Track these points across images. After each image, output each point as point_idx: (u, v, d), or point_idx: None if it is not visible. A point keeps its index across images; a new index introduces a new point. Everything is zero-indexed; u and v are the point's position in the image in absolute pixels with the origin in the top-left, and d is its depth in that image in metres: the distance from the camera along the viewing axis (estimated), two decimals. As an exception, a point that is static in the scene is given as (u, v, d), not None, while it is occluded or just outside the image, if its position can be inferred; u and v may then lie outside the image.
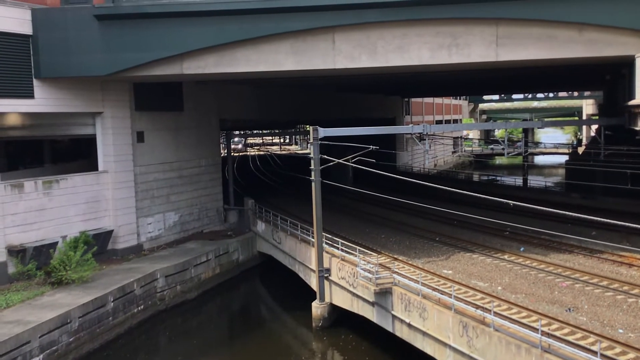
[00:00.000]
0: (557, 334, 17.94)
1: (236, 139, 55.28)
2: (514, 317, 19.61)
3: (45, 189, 31.03)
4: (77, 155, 39.20)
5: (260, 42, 28.64)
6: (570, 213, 21.89)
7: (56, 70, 30.22)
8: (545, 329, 17.99)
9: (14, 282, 28.65)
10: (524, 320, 19.20)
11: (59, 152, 39.86)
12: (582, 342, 17.24)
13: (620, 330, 18.63)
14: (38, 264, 29.19)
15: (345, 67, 28.67)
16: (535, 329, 17.61)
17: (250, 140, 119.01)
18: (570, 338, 17.54)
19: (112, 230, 34.03)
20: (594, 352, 15.75)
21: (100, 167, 34.48)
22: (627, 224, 18.78)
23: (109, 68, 29.68)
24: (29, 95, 30.08)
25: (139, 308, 29.96)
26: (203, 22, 28.52)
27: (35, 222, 30.38)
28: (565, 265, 26.47)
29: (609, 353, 16.41)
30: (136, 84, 35.53)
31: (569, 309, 20.76)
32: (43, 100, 30.63)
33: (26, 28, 29.55)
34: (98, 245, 32.08)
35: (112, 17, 29.12)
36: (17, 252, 29.02)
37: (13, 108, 29.87)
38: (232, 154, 52.23)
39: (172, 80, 36.24)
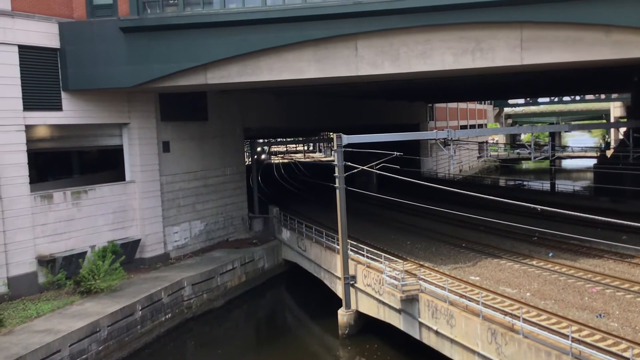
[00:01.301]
0: (588, 340, 17.62)
1: (258, 149, 55.60)
2: (543, 323, 19.32)
3: (74, 199, 31.52)
4: (105, 165, 39.74)
5: (283, 51, 28.80)
6: (600, 217, 21.50)
7: (83, 82, 30.76)
8: (575, 335, 17.70)
9: (44, 291, 29.10)
10: (553, 327, 18.91)
11: (86, 162, 40.44)
12: (613, 349, 16.91)
13: (654, 337, 18.24)
14: (67, 273, 29.61)
15: (368, 73, 28.63)
16: (565, 336, 17.34)
17: (274, 149, 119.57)
18: (601, 344, 17.23)
19: (139, 240, 34.41)
20: (627, 359, 15.42)
21: (127, 177, 34.93)
22: (658, 227, 18.41)
23: (135, 80, 30.11)
24: (58, 107, 30.66)
25: (167, 316, 30.19)
26: (226, 33, 28.79)
27: (64, 232, 30.85)
28: (595, 270, 26.03)
29: (642, 360, 16.08)
30: (161, 95, 35.98)
31: (600, 315, 20.39)
32: (71, 112, 31.19)
33: (54, 42, 30.15)
34: (126, 255, 32.46)
35: (137, 30, 29.57)
36: (47, 262, 29.50)
37: (42, 120, 30.44)
38: (256, 162, 52.49)
39: (197, 90, 36.60)
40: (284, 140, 75.55)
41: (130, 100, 34.19)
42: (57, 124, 31.37)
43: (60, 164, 38.68)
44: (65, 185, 32.79)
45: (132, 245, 33.81)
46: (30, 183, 29.60)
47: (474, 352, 20.75)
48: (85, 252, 30.92)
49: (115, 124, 34.20)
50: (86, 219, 31.93)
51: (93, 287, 28.76)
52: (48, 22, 29.94)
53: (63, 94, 30.80)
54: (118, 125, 34.54)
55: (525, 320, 19.04)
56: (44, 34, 29.76)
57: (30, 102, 29.37)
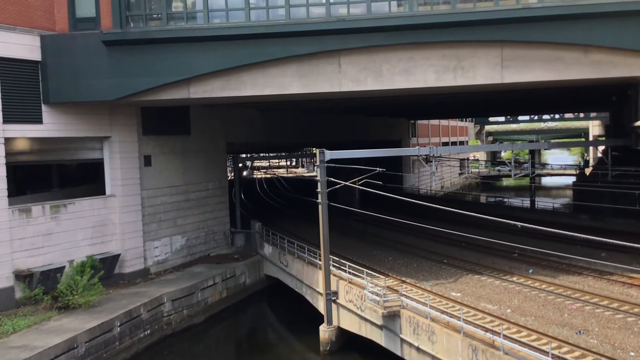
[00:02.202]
0: (568, 357, 17.72)
1: (241, 164, 55.60)
2: (523, 340, 19.35)
3: (53, 213, 31.13)
4: (85, 179, 39.34)
5: (267, 66, 28.86)
6: (579, 234, 21.72)
7: (65, 95, 30.50)
8: (555, 352, 17.78)
9: (21, 307, 28.59)
10: (534, 343, 18.97)
11: (66, 176, 40.01)
12: (593, 366, 17.01)
13: (632, 354, 18.38)
14: (45, 288, 29.13)
15: (351, 90, 28.79)
16: (545, 352, 17.41)
17: (257, 163, 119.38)
18: (581, 361, 17.32)
19: (119, 255, 34.02)
20: (606, 376, 15.54)
21: (108, 191, 34.60)
22: (636, 245, 18.62)
23: (117, 93, 29.93)
24: (38, 120, 30.34)
25: (146, 332, 29.79)
26: (210, 47, 28.79)
27: (42, 247, 30.41)
28: (575, 287, 26.24)
29: (621, 377, 16.18)
30: (143, 109, 35.81)
31: (580, 332, 20.53)
32: (51, 125, 30.89)
33: (35, 54, 29.91)
34: (105, 270, 32.03)
35: (120, 43, 29.44)
36: (24, 277, 29.00)
37: (22, 133, 30.09)
38: (238, 177, 52.33)
39: (180, 105, 36.51)
40: (267, 155, 75.50)
41: (112, 113, 33.98)
42: (37, 136, 31.04)
43: (39, 177, 38.23)
44: (45, 199, 32.36)
45: (111, 260, 33.41)
46: (8, 196, 29.18)
47: (455, 368, 20.74)
48: (63, 267, 30.47)
49: (96, 137, 33.93)
50: (65, 234, 31.52)
51: (71, 303, 28.32)
52: (29, 34, 29.71)
53: (44, 107, 30.51)
54: (99, 139, 34.26)
55: (505, 337, 19.09)
56: (25, 46, 29.51)
57: (10, 115, 29.02)
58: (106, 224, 33.81)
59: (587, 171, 63.99)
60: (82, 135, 32.90)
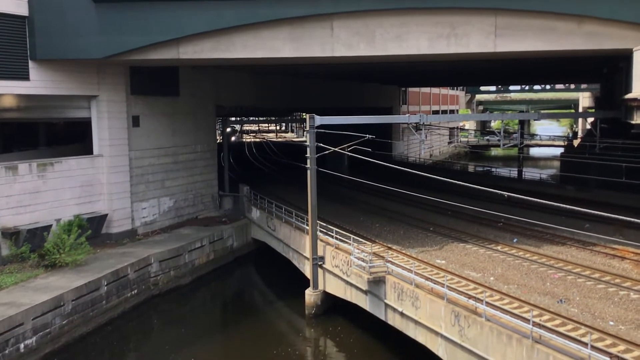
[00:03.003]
0: (548, 325, 18.03)
1: (230, 127, 55.31)
2: (506, 307, 19.68)
3: (40, 171, 30.92)
4: (72, 138, 39.02)
5: (258, 28, 28.47)
6: (564, 205, 21.94)
7: (52, 52, 30.02)
8: (536, 319, 18.10)
9: (7, 264, 28.61)
10: (515, 311, 19.28)
11: (54, 135, 39.68)
12: (573, 334, 17.34)
13: (611, 323, 18.76)
14: (32, 246, 29.14)
15: (343, 55, 28.54)
16: (526, 320, 17.71)
17: (247, 127, 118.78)
18: (561, 329, 17.64)
19: (106, 215, 33.98)
20: (585, 344, 15.86)
21: (95, 150, 34.35)
22: (620, 217, 18.85)
23: (105, 51, 29.48)
24: (24, 77, 29.89)
25: (133, 292, 30.00)
26: (200, 7, 28.33)
27: (29, 205, 30.29)
28: (558, 257, 26.60)
29: (599, 345, 16.52)
30: (132, 68, 35.33)
31: (561, 301, 20.88)
32: (38, 82, 30.44)
33: (22, 9, 29.29)
34: (92, 229, 32.04)
35: (109, 0, 28.86)
36: (10, 235, 28.96)
37: (8, 90, 29.66)
38: (227, 140, 52.09)
39: (169, 65, 36.04)
40: (257, 119, 75.04)
41: (100, 72, 33.51)
42: (24, 93, 30.63)
43: (26, 135, 37.89)
44: (31, 157, 32.12)
45: (98, 220, 33.39)
46: (-6, 154, 28.94)
47: (437, 333, 21.10)
48: (50, 226, 30.42)
49: (83, 96, 33.52)
50: (52, 192, 31.38)
51: (58, 261, 28.39)
52: (16, -12, 29.08)
53: (30, 63, 30.03)
54: (87, 98, 33.85)
55: (488, 304, 19.38)
56: (12, 0, 28.86)
57: (-4, 71, 28.59)
58: (93, 184, 33.66)
59: (576, 143, 64.30)
60: (69, 94, 32.49)
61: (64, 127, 40.91)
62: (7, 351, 22.08)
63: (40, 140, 38.53)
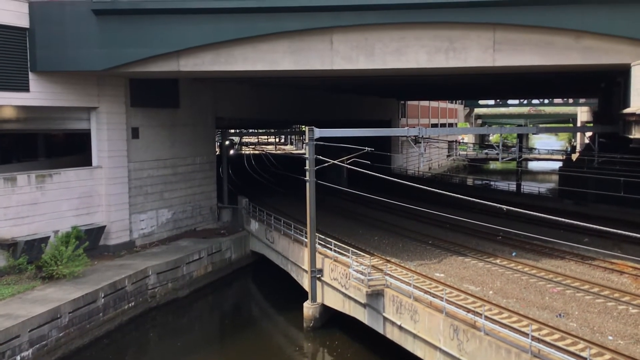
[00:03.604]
0: (547, 339, 17.98)
1: (228, 140, 55.47)
2: (504, 321, 19.66)
3: (39, 183, 30.90)
4: (72, 149, 39.08)
5: (258, 41, 28.62)
6: (563, 219, 21.94)
7: (52, 64, 30.10)
8: (535, 334, 18.05)
9: (4, 275, 28.48)
10: (514, 325, 19.26)
11: (53, 146, 39.74)
12: (571, 348, 17.31)
13: (610, 337, 18.71)
14: (29, 258, 29.05)
15: (343, 68, 28.67)
16: (525, 334, 17.67)
17: (246, 139, 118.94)
18: (560, 344, 17.61)
19: (104, 226, 33.92)
20: (584, 358, 15.81)
21: (94, 162, 34.36)
22: (619, 231, 18.84)
23: (105, 63, 29.59)
24: (24, 88, 29.96)
25: (130, 305, 29.87)
26: (200, 20, 28.48)
27: (27, 216, 30.23)
28: (557, 271, 26.56)
29: (598, 359, 16.46)
30: (132, 80, 35.45)
31: (560, 315, 20.83)
32: (38, 94, 30.51)
33: (23, 21, 29.41)
34: (90, 241, 31.99)
35: (110, 12, 29.01)
36: (8, 246, 28.88)
37: (8, 101, 29.72)
38: (226, 152, 52.12)
39: (169, 77, 36.19)
40: (256, 131, 75.12)
41: (100, 84, 33.61)
42: (24, 105, 30.68)
43: (25, 147, 37.96)
44: (30, 168, 32.13)
45: (96, 232, 33.33)
46: (-7, 165, 28.94)
47: (436, 347, 21.02)
48: (48, 237, 30.35)
49: (83, 107, 33.59)
50: (50, 204, 31.35)
51: (55, 273, 28.30)
52: (18, 0, 29.17)
53: (31, 75, 30.11)
54: (86, 109, 33.93)
55: (487, 318, 19.34)
56: (13, 12, 29.00)
57: (-4, 82, 28.67)
58: (92, 195, 33.64)
59: (574, 157, 64.41)
60: (69, 105, 32.55)
61: (64, 139, 40.97)
62: (3, 363, 21.98)
63: (40, 151, 38.57)
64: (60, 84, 31.42)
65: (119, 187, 34.99)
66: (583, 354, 16.19)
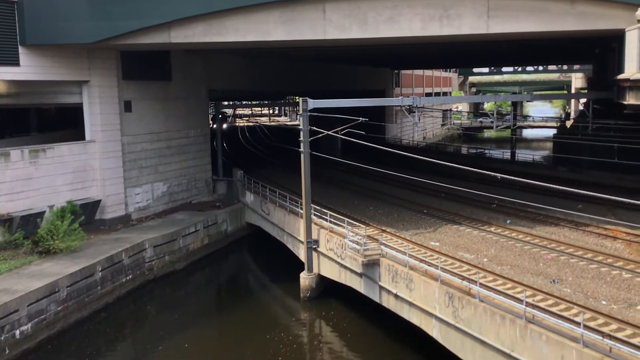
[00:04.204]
0: (541, 305, 18.21)
1: (222, 113, 55.04)
2: (499, 288, 19.86)
3: (32, 158, 30.75)
4: (64, 124, 38.79)
5: (249, 11, 28.25)
6: (557, 186, 22.04)
7: (42, 37, 29.73)
8: (529, 300, 18.23)
9: (1, 251, 28.52)
10: (509, 292, 19.44)
11: (45, 120, 39.43)
12: (565, 313, 17.52)
13: (604, 302, 18.94)
14: (25, 233, 29.07)
15: (336, 37, 28.36)
16: (519, 300, 17.86)
17: (239, 111, 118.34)
18: (554, 309, 17.83)
19: (99, 200, 33.89)
20: (577, 323, 16.02)
21: (88, 136, 34.18)
22: (612, 197, 18.96)
23: (96, 36, 29.24)
24: (14, 62, 29.61)
25: (128, 278, 30.03)
26: (191, -10, 28.07)
27: (22, 192, 30.16)
28: (551, 237, 26.77)
29: (592, 324, 16.70)
30: (123, 53, 35.05)
31: (554, 281, 21.05)
32: (29, 67, 30.17)
33: (10, -6, 28.99)
34: (85, 215, 31.99)
35: (98, -16, 28.58)
36: (4, 221, 28.87)
37: (-2, 75, 29.44)
38: (220, 124, 51.90)
39: (160, 49, 35.76)
40: (249, 103, 74.65)
41: (91, 57, 33.22)
42: (14, 79, 30.37)
43: (17, 122, 37.63)
44: (23, 144, 31.94)
45: (92, 206, 33.31)
46: (-15, 140, 28.75)
47: (431, 315, 21.26)
48: (43, 212, 30.33)
49: (74, 81, 33.27)
50: (45, 178, 31.25)
51: (52, 248, 28.35)
52: (4, -28, 28.71)
53: (20, 49, 29.74)
54: (78, 83, 33.60)
55: (481, 285, 19.52)
56: (-1, -15, 28.56)
57: (-15, 56, 28.33)
58: (86, 170, 33.54)
59: (568, 124, 64.40)
60: (60, 79, 32.22)
61: (56, 113, 40.63)
62: (2, 337, 22.11)
63: (32, 126, 38.29)
64: (50, 58, 31.05)
65: (113, 161, 34.87)
66: (577, 319, 16.40)
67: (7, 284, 24.32)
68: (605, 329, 16.44)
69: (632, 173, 38.43)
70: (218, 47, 33.82)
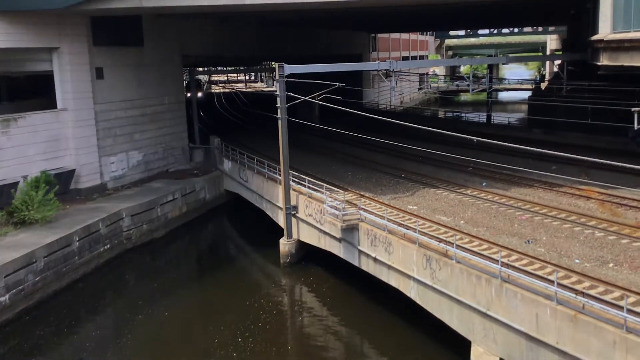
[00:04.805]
0: (516, 264, 18.55)
1: (199, 78, 53.98)
2: (475, 249, 20.16)
3: (3, 127, 30.13)
4: (35, 93, 37.86)
5: (222, -26, 27.68)
6: (531, 148, 22.25)
7: (9, 3, 28.86)
8: (504, 260, 18.56)
9: (-25, 223, 28.16)
10: (484, 252, 19.77)
11: (15, 89, 38.42)
12: (539, 272, 17.88)
13: (577, 261, 19.35)
14: (-1, 204, 28.67)
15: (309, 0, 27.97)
16: (495, 261, 18.17)
17: (215, 78, 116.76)
18: (528, 268, 18.19)
19: (74, 170, 33.44)
20: (551, 282, 16.36)
21: (59, 104, 33.50)
22: (585, 157, 19.21)
23: (65, 1, 28.44)
24: (-20, 29, 28.75)
25: (105, 247, 29.88)
26: (162, -48, 27.34)
27: (-6, 162, 29.62)
28: (525, 199, 27.14)
29: (565, 282, 17.07)
30: (94, 18, 34.13)
31: (528, 241, 21.42)
32: (-5, 35, 29.32)
33: (-27, -43, 27.94)
34: (60, 185, 31.57)
35: (64, -54, 27.67)
36: (-24, 193, 28.42)
37: (-37, 43, 28.58)
38: (195, 91, 51.23)
39: (132, 14, 34.91)
40: (225, 69, 73.62)
41: (61, 23, 32.33)
42: (-19, 47, 29.53)
43: (-14, 91, 36.68)
44: (-7, 113, 31.22)
45: (66, 176, 32.87)
46: (-47, 110, 28.04)
47: (409, 277, 21.56)
48: (17, 183, 29.84)
49: (44, 48, 32.42)
50: (17, 148, 30.69)
51: (27, 218, 28.01)
52: None
53: (-14, 16, 28.85)
54: (47, 50, 32.76)
55: (458, 247, 19.79)
56: (-40, -52, 27.49)
57: (-51, 23, 27.43)
58: (59, 139, 32.98)
59: (543, 86, 64.82)
60: (29, 46, 31.37)
61: (26, 81, 39.63)
62: (-20, 310, 21.98)
63: (2, 95, 37.34)
64: (19, 25, 30.17)
65: (86, 130, 34.30)
66: (551, 277, 16.75)
67: (-18, 256, 24.06)
68: (578, 287, 16.82)
69: (606, 134, 38.92)
70: (191, 11, 33.14)
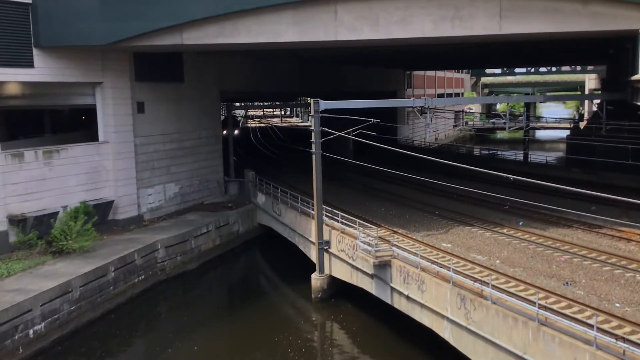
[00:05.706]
0: (554, 307, 18.08)
1: (235, 113, 54.88)
2: (511, 290, 19.74)
3: (46, 158, 31.00)
4: (78, 125, 39.07)
5: (261, 13, 28.31)
6: (570, 188, 21.89)
7: (56, 39, 29.96)
8: (542, 302, 18.14)
9: (15, 251, 28.79)
10: (521, 294, 19.33)
11: (59, 122, 39.71)
12: (579, 316, 17.38)
13: (617, 305, 18.79)
14: (39, 233, 29.30)
15: (347, 39, 28.35)
16: (532, 302, 17.75)
17: (251, 112, 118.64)
18: (567, 312, 17.69)
19: (112, 201, 34.10)
20: (591, 326, 15.90)
21: (101, 137, 34.40)
22: (626, 199, 18.80)
23: (109, 37, 29.42)
24: (29, 64, 29.85)
25: (140, 278, 30.19)
26: (203, -8, 28.19)
27: (36, 192, 30.38)
28: (564, 239, 26.59)
29: (605, 326, 16.56)
30: (136, 54, 35.25)
31: (567, 283, 20.91)
32: (43, 69, 30.42)
33: (25, -4, 29.23)
34: (99, 216, 32.20)
35: (111, -14, 28.76)
36: (18, 222, 29.12)
37: (13, 77, 29.68)
38: (232, 125, 52.02)
39: (173, 51, 35.94)
40: (261, 104, 74.72)
41: (104, 58, 33.45)
42: (29, 81, 30.61)
43: (31, 123, 37.95)
44: (37, 145, 32.19)
45: (105, 207, 33.53)
46: (0, 141, 28.98)
47: (443, 316, 21.18)
48: (57, 212, 30.56)
49: (88, 82, 33.51)
50: (58, 179, 31.49)
51: (65, 248, 28.56)
52: (18, -25, 28.98)
53: (35, 50, 29.99)
54: (91, 84, 33.85)
55: (494, 287, 19.42)
56: (14, -13, 28.81)
57: (1, 58, 28.54)
58: (99, 171, 33.76)
59: (582, 125, 63.95)
60: (74, 80, 32.46)
61: (69, 114, 40.92)
62: (16, 337, 22.30)
63: (46, 127, 38.57)
64: (64, 59, 31.30)
65: (126, 162, 35.08)
66: (590, 322, 16.27)
67: (21, 284, 24.54)
68: (618, 332, 16.29)
69: (647, 175, 38.06)
70: (230, 48, 33.93)
